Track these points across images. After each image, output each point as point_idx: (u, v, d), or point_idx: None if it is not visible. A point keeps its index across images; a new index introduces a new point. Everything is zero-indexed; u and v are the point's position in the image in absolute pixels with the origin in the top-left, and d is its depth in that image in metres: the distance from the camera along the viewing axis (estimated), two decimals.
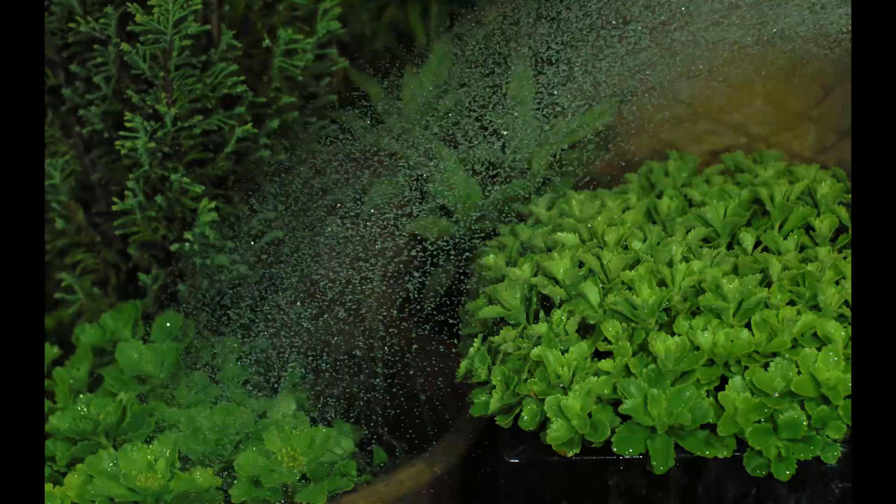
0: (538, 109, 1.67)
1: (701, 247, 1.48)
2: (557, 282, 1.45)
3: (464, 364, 1.45)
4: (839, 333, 1.36)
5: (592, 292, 1.41)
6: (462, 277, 1.68)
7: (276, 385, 1.61)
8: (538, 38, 1.63)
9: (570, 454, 1.35)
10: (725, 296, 1.38)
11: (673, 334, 1.37)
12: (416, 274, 1.66)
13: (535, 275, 1.47)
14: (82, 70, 1.66)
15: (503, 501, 1.37)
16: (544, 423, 1.36)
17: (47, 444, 1.47)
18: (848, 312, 1.38)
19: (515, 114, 1.67)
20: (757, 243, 1.49)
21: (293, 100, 1.67)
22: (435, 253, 1.67)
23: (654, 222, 1.55)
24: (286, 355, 1.62)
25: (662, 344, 1.35)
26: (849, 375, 1.32)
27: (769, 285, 1.42)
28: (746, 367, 1.35)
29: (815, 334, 1.37)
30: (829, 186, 1.53)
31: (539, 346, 1.39)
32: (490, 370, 1.41)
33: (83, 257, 1.72)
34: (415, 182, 1.67)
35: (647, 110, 1.64)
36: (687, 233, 1.50)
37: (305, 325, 1.60)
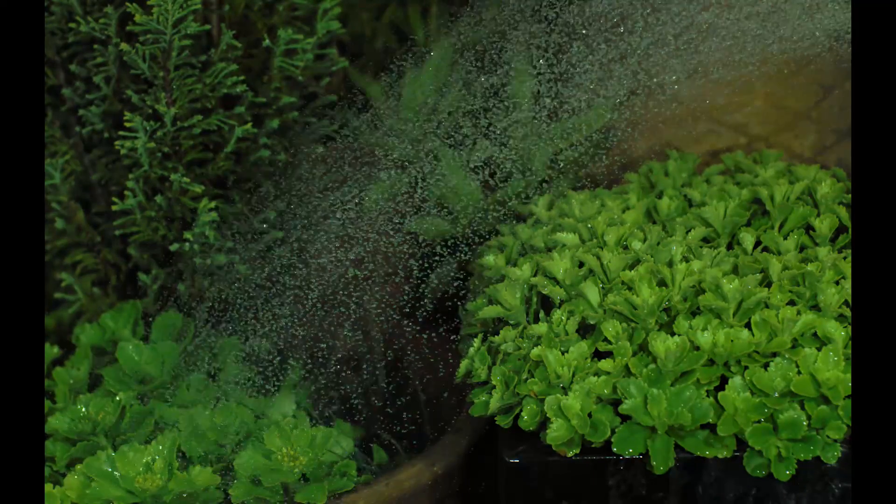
0: (538, 109, 1.67)
1: (701, 247, 1.48)
2: (557, 282, 1.45)
3: (464, 364, 1.45)
4: (839, 333, 1.35)
5: (592, 292, 1.41)
6: (462, 277, 1.68)
7: (276, 384, 1.61)
8: (538, 38, 1.63)
9: (569, 454, 1.35)
10: (725, 296, 1.38)
11: (673, 334, 1.36)
12: (415, 274, 1.66)
13: (535, 275, 1.47)
14: (82, 70, 1.66)
15: (503, 501, 1.37)
16: (544, 423, 1.36)
17: (46, 445, 1.47)
18: (848, 312, 1.38)
19: (515, 114, 1.67)
20: (757, 243, 1.49)
21: (293, 100, 1.67)
22: (434, 253, 1.66)
23: (654, 222, 1.55)
24: (285, 355, 1.62)
25: (662, 344, 1.35)
26: (849, 375, 1.32)
27: (769, 285, 1.42)
28: (746, 367, 1.35)
29: (815, 334, 1.37)
30: (829, 186, 1.53)
31: (539, 346, 1.39)
32: (490, 370, 1.41)
33: (83, 257, 1.72)
34: (414, 182, 1.67)
35: (647, 110, 1.64)
36: (687, 233, 1.50)
37: (303, 325, 1.60)
